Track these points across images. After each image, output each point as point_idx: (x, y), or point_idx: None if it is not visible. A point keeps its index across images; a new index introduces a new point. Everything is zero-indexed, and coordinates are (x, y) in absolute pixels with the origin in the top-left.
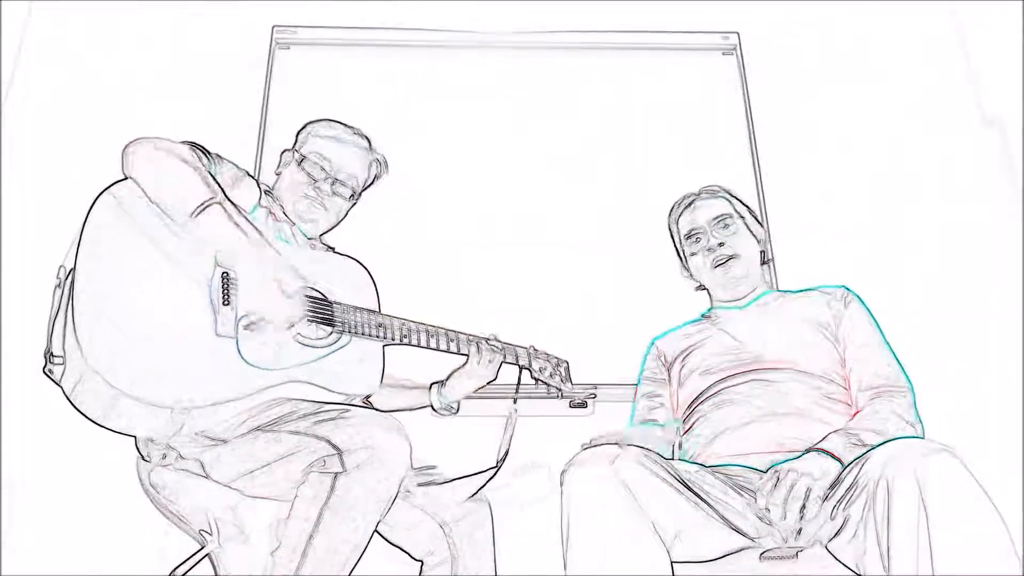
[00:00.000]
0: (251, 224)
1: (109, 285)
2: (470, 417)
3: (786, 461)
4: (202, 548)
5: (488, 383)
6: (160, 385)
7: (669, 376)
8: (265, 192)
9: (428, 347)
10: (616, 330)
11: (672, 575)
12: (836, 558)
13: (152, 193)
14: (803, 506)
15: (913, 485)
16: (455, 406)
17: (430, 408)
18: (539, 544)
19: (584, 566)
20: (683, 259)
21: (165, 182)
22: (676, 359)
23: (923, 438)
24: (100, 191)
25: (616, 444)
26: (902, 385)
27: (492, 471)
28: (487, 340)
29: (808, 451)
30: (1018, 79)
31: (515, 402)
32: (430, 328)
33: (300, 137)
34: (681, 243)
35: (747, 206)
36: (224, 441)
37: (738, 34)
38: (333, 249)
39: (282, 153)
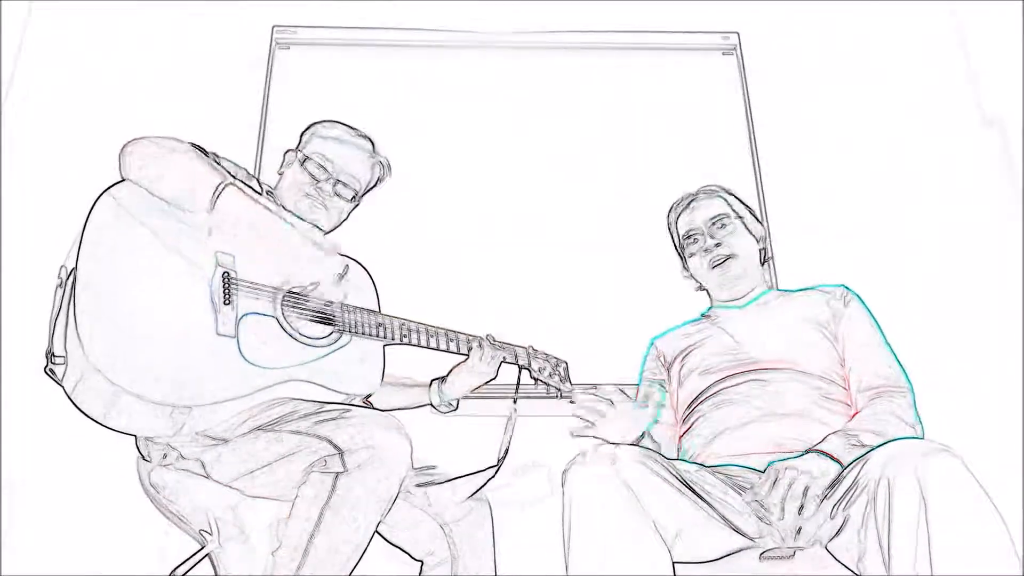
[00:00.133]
0: (266, 198)
1: (110, 285)
2: (470, 417)
3: (785, 459)
4: (202, 548)
5: (488, 382)
6: (161, 384)
7: (669, 376)
8: (267, 192)
9: (428, 347)
10: (616, 330)
11: (673, 575)
12: (836, 558)
13: (160, 191)
14: (801, 505)
15: (914, 485)
16: (454, 403)
17: (429, 406)
18: (539, 544)
19: (585, 566)
20: (683, 259)
21: (172, 178)
22: (676, 359)
23: (923, 439)
24: (100, 192)
25: (615, 444)
26: (902, 385)
27: (492, 471)
28: (488, 339)
29: (807, 452)
30: (1018, 79)
31: (515, 402)
32: (430, 328)
33: (304, 137)
34: (680, 244)
35: (747, 205)
36: (225, 441)
37: (738, 34)
38: None
39: (285, 153)
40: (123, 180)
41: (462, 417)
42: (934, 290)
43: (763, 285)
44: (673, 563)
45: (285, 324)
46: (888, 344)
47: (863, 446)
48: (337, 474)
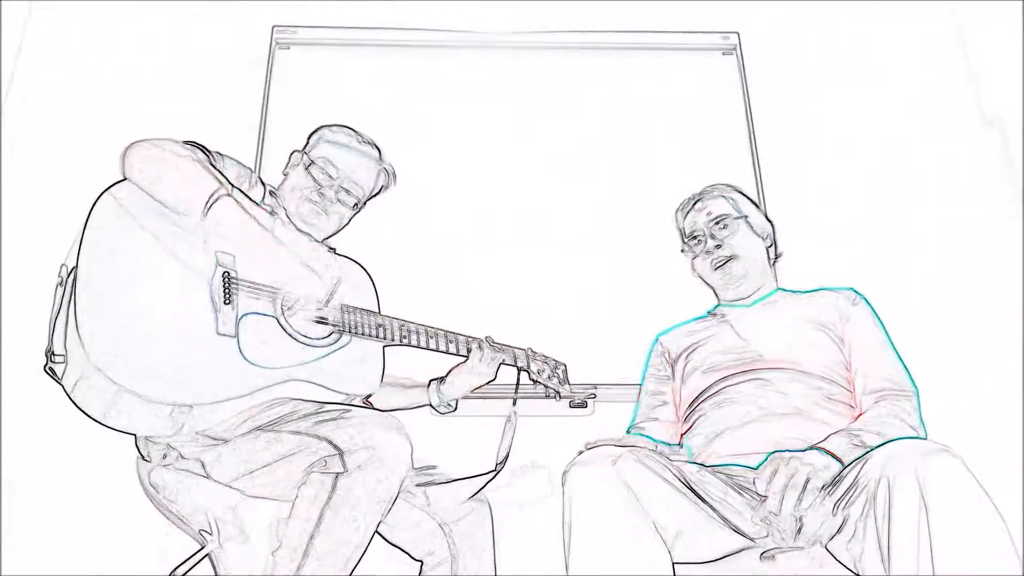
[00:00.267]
0: (262, 212)
1: (111, 283)
2: (470, 417)
3: (788, 451)
4: (202, 548)
5: (487, 383)
6: (161, 383)
7: (673, 372)
8: (269, 192)
9: (427, 348)
10: (616, 330)
11: (673, 575)
12: (836, 558)
13: (158, 193)
14: (799, 498)
15: (914, 485)
16: (453, 403)
17: (428, 406)
18: (539, 544)
19: (585, 566)
20: (690, 260)
21: (170, 181)
22: (680, 355)
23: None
24: (101, 191)
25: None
26: (907, 389)
27: (491, 474)
28: (488, 340)
29: (810, 448)
30: (1018, 79)
31: (514, 403)
32: (429, 329)
33: (311, 140)
34: (685, 245)
35: (756, 204)
36: (225, 441)
37: (738, 34)
38: (334, 250)
39: (291, 153)
40: (124, 179)
41: (462, 417)
42: (934, 290)
43: (771, 284)
44: (673, 563)
45: (285, 324)
46: (895, 348)
47: (865, 447)
48: (337, 474)
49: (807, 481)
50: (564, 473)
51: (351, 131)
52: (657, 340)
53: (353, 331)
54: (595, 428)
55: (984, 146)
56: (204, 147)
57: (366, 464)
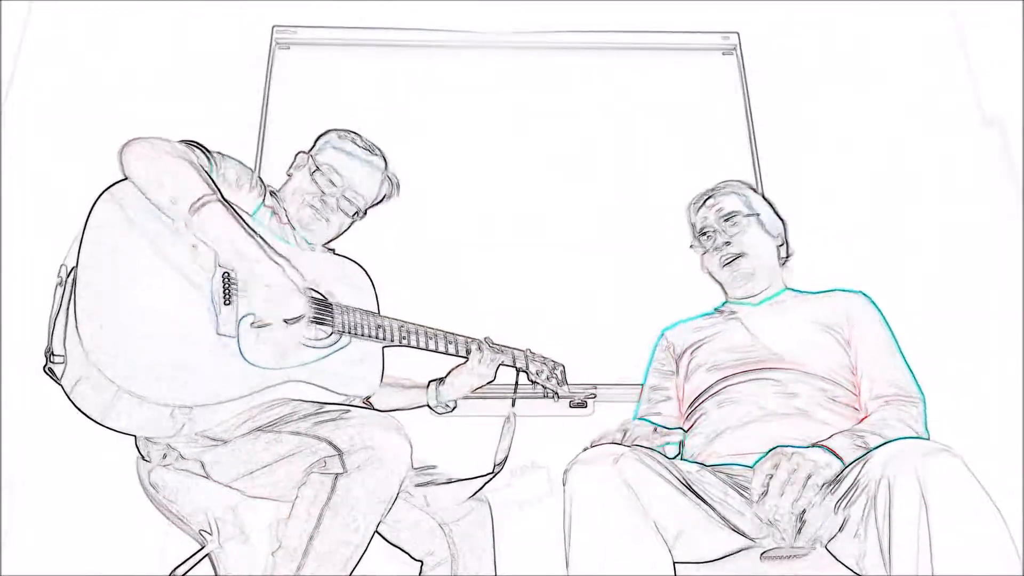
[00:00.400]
0: (249, 223)
1: (111, 283)
2: (470, 417)
3: (790, 446)
4: (202, 548)
5: (486, 383)
6: (161, 383)
7: (677, 368)
8: (271, 193)
9: (427, 349)
10: (615, 330)
11: (674, 575)
12: (836, 558)
13: (149, 192)
14: (800, 493)
15: (914, 484)
16: (452, 404)
17: (428, 406)
18: (539, 544)
19: (586, 565)
20: (700, 255)
21: (161, 181)
22: (685, 351)
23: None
24: (101, 191)
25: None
26: (914, 395)
27: (490, 476)
28: (488, 341)
29: (812, 446)
30: (1018, 79)
31: (513, 404)
32: (429, 330)
33: (318, 143)
34: (696, 240)
35: (769, 202)
36: (224, 441)
37: (738, 34)
38: (333, 251)
39: (297, 154)
40: (124, 179)
41: (461, 418)
42: (934, 290)
43: (779, 284)
44: (674, 563)
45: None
46: (902, 353)
47: (867, 448)
48: (337, 475)
49: (808, 477)
50: (565, 472)
51: (358, 138)
52: (662, 335)
53: (353, 332)
54: (595, 428)
55: (984, 146)
56: (204, 147)
57: (366, 464)
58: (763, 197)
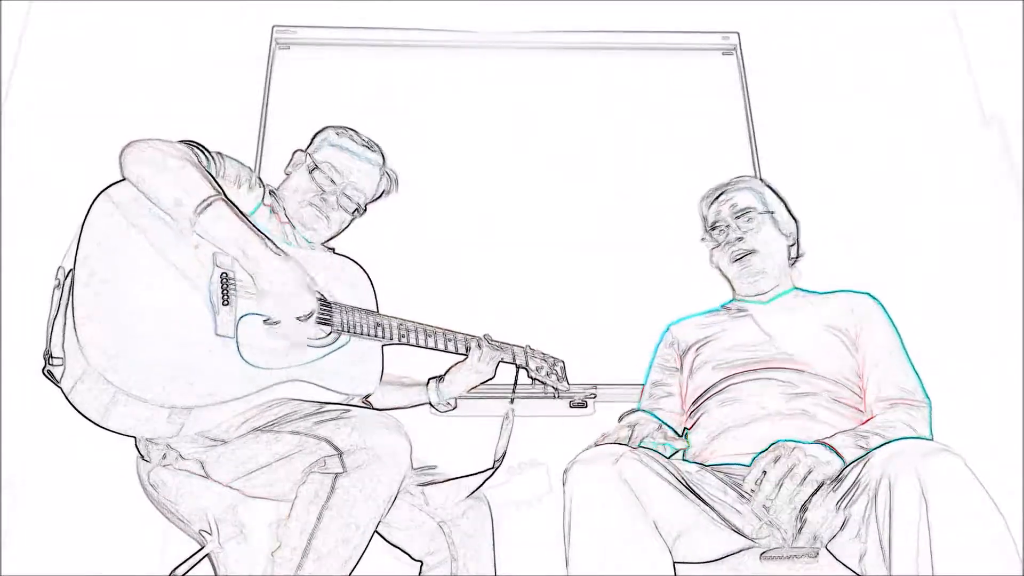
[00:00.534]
0: (253, 223)
1: (109, 285)
2: (469, 417)
3: (791, 440)
4: (202, 548)
5: (486, 381)
6: (160, 385)
7: (681, 364)
8: (270, 192)
9: (426, 346)
10: (615, 330)
11: (673, 575)
12: (836, 558)
13: (151, 195)
14: (798, 488)
15: (915, 484)
16: (452, 402)
17: (428, 404)
18: (539, 543)
19: (586, 565)
20: (710, 249)
21: (164, 183)
22: (690, 348)
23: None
24: (98, 192)
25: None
26: (920, 399)
27: (490, 472)
28: (487, 338)
29: (814, 443)
30: (1018, 79)
31: (512, 402)
32: (428, 328)
33: (315, 141)
34: (707, 234)
35: (783, 200)
36: (224, 442)
37: (738, 34)
38: (333, 250)
39: (294, 152)
40: (122, 180)
41: (461, 417)
42: (934, 290)
43: (788, 283)
44: (674, 563)
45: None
46: (908, 356)
47: (869, 448)
48: (336, 475)
49: (808, 473)
50: (565, 472)
51: (356, 134)
52: (667, 329)
53: (352, 331)
54: (595, 428)
55: (984, 146)
56: (203, 147)
57: (365, 464)
58: (777, 196)
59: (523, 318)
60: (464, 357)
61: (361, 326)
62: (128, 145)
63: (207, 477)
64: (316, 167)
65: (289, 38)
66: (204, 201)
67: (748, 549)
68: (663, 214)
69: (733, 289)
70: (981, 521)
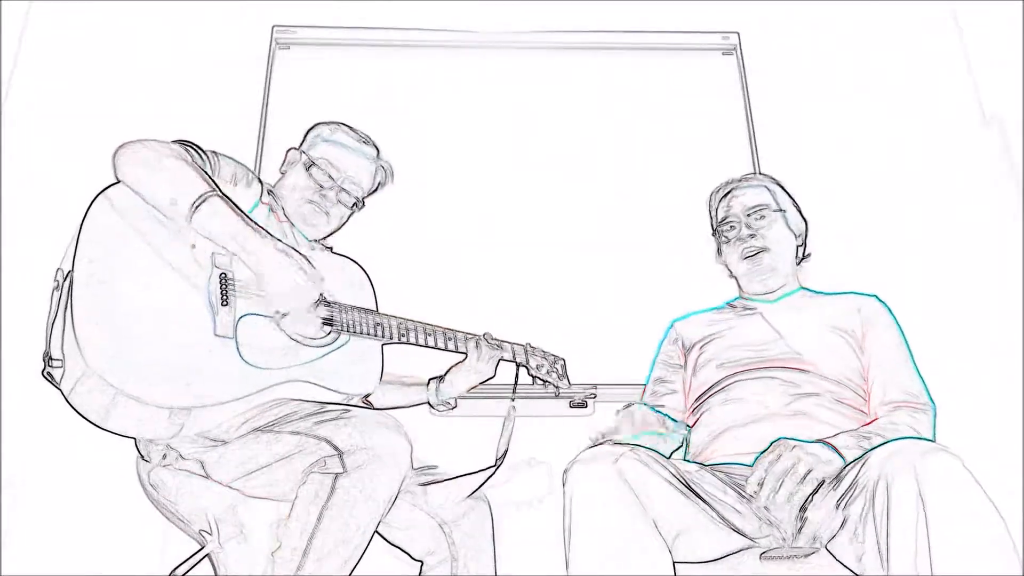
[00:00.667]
0: (250, 218)
1: (107, 287)
2: (470, 417)
3: (792, 439)
4: (202, 548)
5: (486, 380)
6: (159, 386)
7: (685, 362)
8: (267, 191)
9: (426, 345)
10: (616, 330)
11: (673, 575)
12: (836, 558)
13: (147, 195)
14: (798, 486)
15: (912, 483)
16: (452, 402)
17: (427, 405)
18: (539, 543)
19: (585, 565)
20: (718, 245)
21: (159, 182)
22: (695, 345)
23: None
24: (96, 194)
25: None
26: (924, 402)
27: (491, 470)
28: (486, 337)
29: (816, 441)
30: (1018, 79)
31: (513, 400)
32: (427, 326)
33: (308, 138)
34: (716, 229)
35: (793, 199)
36: (224, 442)
37: (738, 34)
38: (331, 249)
39: (288, 151)
40: (119, 181)
41: (462, 417)
42: (933, 290)
43: (795, 283)
44: (673, 563)
45: (283, 328)
46: (913, 360)
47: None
48: (336, 475)
49: (808, 471)
50: (565, 471)
51: (348, 129)
52: (672, 326)
53: (351, 330)
54: (595, 428)
55: (984, 146)
56: (198, 146)
57: (365, 464)
58: (788, 195)
59: (522, 318)
60: (464, 356)
61: (361, 325)
62: (121, 146)
63: (207, 477)
64: (313, 163)
65: (289, 38)
66: (199, 198)
67: (748, 549)
68: (663, 214)
69: (740, 287)
70: (978, 521)
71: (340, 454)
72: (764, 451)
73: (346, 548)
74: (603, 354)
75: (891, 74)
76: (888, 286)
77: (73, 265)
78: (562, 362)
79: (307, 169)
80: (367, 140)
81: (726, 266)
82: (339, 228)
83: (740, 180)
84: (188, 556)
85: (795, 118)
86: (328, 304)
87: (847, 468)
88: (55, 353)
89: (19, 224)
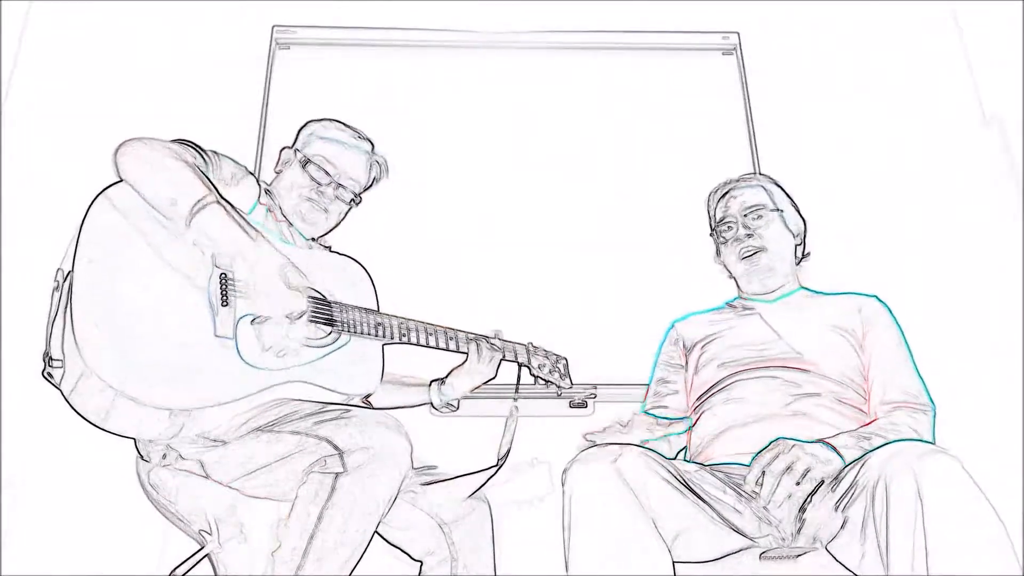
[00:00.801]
0: (249, 223)
1: (107, 287)
2: (471, 417)
3: (792, 439)
4: (202, 548)
5: (488, 381)
6: (159, 386)
7: (686, 362)
8: (265, 191)
9: (427, 345)
10: (616, 330)
11: (673, 575)
12: (836, 559)
13: (147, 195)
14: (798, 486)
15: (911, 485)
16: (455, 404)
17: (429, 406)
18: (539, 543)
19: (585, 565)
20: (717, 245)
21: (159, 183)
22: (696, 345)
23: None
24: (96, 194)
25: (619, 444)
26: (924, 403)
27: (493, 470)
28: (486, 338)
29: (815, 441)
30: (1018, 79)
31: (515, 400)
32: (428, 326)
33: (302, 136)
34: (714, 229)
35: (792, 199)
36: (225, 442)
37: (738, 34)
38: (331, 249)
39: (281, 150)
40: (120, 181)
41: (462, 417)
42: (933, 290)
43: (795, 283)
44: (673, 563)
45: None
46: (913, 360)
47: (870, 449)
48: (336, 474)
49: (807, 471)
50: (564, 471)
51: (342, 125)
52: (672, 326)
53: (352, 330)
54: (595, 428)
55: (984, 146)
56: (198, 145)
57: (365, 464)
58: (786, 194)
59: (523, 318)
60: (465, 357)
61: (361, 325)
62: (122, 144)
63: (207, 477)
64: (309, 161)
65: (289, 38)
66: (198, 202)
67: (747, 549)
68: (663, 214)
69: (739, 287)
70: (977, 522)
71: (340, 454)
72: (762, 450)
73: (346, 548)
74: (603, 354)
75: (891, 74)
76: (888, 286)
77: (73, 265)
78: (564, 361)
79: (303, 167)
80: (361, 135)
81: (725, 266)
82: (337, 225)
83: (738, 180)
84: (188, 556)
85: (795, 118)
86: (328, 304)
87: (846, 469)
88: (55, 353)
89: (19, 224)
